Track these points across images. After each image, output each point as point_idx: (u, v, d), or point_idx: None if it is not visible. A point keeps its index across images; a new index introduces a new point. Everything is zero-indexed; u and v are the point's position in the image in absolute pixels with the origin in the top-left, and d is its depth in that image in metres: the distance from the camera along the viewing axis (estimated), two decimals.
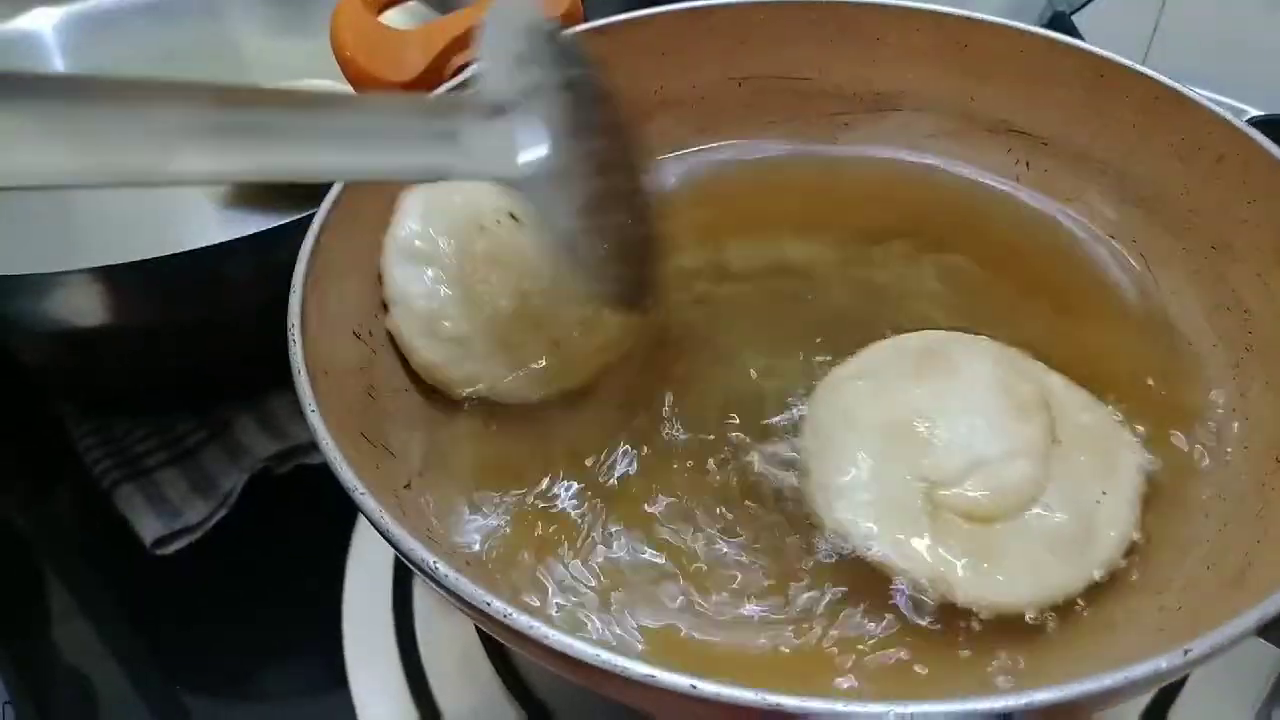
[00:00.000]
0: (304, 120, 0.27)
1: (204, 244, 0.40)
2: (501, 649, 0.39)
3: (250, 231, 0.40)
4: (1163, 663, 0.22)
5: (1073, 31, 0.57)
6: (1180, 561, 0.31)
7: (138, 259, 0.39)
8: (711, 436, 0.34)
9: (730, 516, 0.32)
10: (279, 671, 0.44)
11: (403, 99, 0.31)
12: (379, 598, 0.42)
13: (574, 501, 0.33)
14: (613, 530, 0.32)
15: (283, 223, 0.41)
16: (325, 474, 0.27)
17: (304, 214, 0.39)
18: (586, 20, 0.45)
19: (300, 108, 0.27)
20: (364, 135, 0.28)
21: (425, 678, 0.40)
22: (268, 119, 0.26)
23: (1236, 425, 0.34)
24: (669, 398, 0.36)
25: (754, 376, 0.36)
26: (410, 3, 0.45)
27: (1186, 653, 0.22)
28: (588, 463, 0.34)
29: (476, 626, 0.39)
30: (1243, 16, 0.65)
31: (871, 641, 0.29)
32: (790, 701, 0.22)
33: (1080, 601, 0.30)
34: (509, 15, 0.31)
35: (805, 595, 0.30)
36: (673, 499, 0.33)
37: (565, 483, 0.34)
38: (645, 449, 0.34)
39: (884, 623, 0.29)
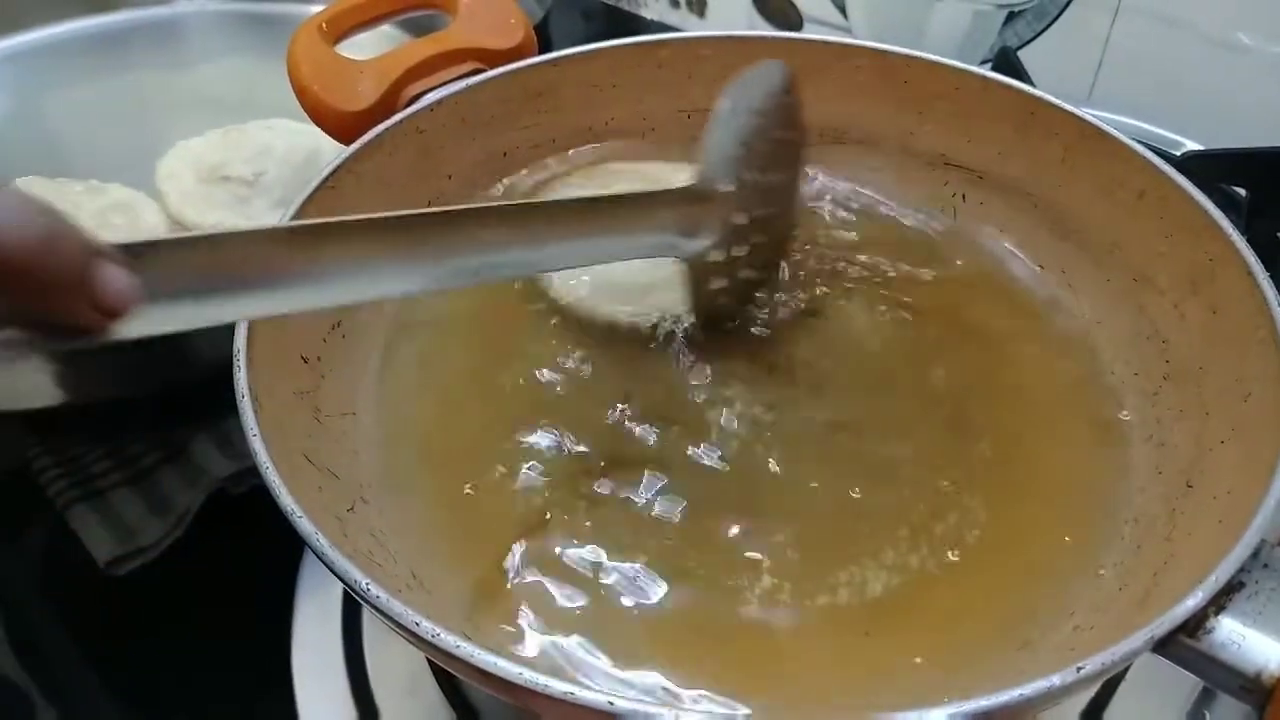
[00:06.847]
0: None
1: None
2: (448, 672, 0.40)
3: None
4: (1056, 679, 0.23)
5: (1017, 66, 0.59)
6: (1095, 583, 0.32)
7: None
8: None
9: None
10: (228, 692, 0.44)
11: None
12: (329, 619, 0.43)
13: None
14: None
15: None
16: None
17: None
18: (542, 52, 0.46)
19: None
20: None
21: (373, 698, 0.40)
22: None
23: (1152, 451, 0.35)
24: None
25: None
26: (365, 34, 0.46)
27: (1079, 669, 0.24)
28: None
29: None
30: (1184, 52, 0.67)
31: None
32: None
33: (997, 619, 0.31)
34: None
35: None
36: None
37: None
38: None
39: None
